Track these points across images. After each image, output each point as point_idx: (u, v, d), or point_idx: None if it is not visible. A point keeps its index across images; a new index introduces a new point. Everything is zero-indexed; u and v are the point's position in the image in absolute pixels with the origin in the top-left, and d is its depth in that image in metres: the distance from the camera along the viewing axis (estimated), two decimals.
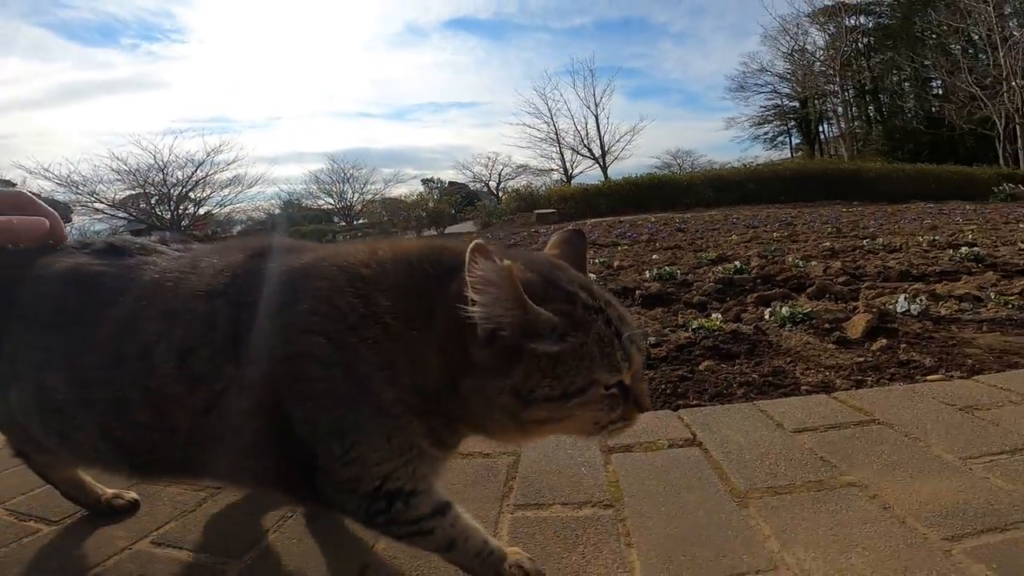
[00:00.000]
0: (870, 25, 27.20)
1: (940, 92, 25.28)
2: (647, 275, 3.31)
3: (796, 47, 28.10)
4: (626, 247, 5.48)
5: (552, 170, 29.77)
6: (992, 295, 2.37)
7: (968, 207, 9.80)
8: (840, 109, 28.77)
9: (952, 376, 1.51)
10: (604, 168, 28.40)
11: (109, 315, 0.67)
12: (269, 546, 0.84)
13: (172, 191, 21.97)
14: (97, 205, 20.66)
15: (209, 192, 22.89)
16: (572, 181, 27.21)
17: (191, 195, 22.58)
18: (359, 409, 0.59)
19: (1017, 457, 0.98)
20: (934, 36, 24.66)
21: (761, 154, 31.58)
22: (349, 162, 28.99)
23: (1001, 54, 20.25)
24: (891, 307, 2.26)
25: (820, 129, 30.23)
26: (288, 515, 0.92)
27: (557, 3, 47.81)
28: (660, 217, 10.46)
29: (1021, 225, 5.52)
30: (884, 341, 1.83)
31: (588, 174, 28.81)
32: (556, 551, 0.80)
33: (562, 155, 29.30)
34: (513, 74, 49.13)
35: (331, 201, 29.42)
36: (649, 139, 56.59)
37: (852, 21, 26.81)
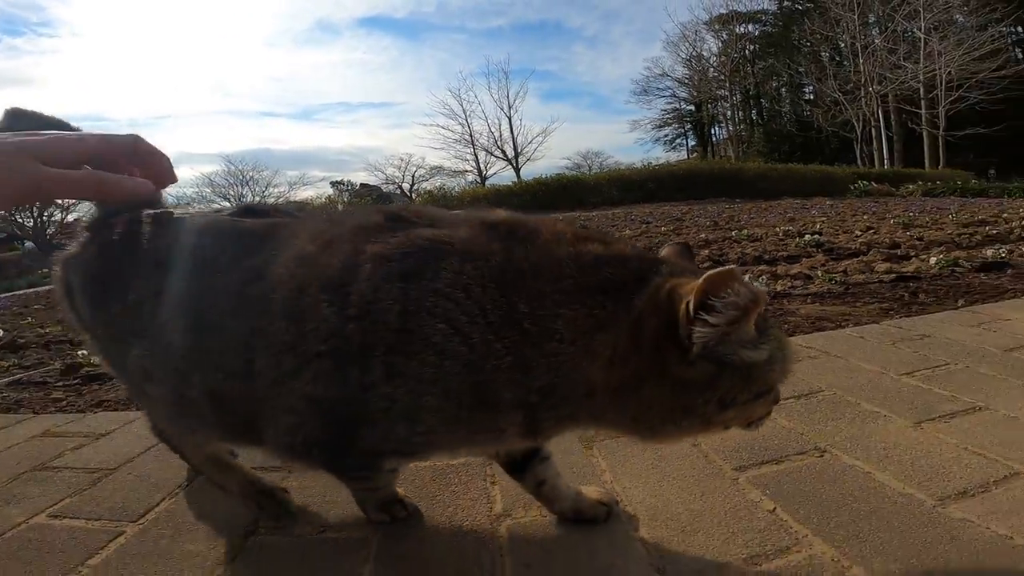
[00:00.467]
0: (756, 33, 29.84)
1: (811, 97, 28.23)
2: None
3: (694, 53, 30.24)
4: None
5: (467, 171, 29.91)
6: (820, 274, 2.84)
7: (828, 202, 11.07)
8: (729, 113, 31.30)
9: (813, 326, 1.93)
10: (517, 169, 28.96)
11: (256, 266, 0.65)
12: (165, 509, 0.94)
13: None
14: None
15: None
16: (486, 182, 27.53)
17: (57, 200, 20.40)
18: (459, 404, 0.57)
19: (801, 401, 1.24)
20: (807, 44, 27.41)
21: (662, 155, 33.72)
22: (248, 163, 27.46)
23: (861, 61, 22.97)
24: None
25: (712, 131, 32.76)
26: (183, 485, 1.02)
27: (475, 4, 48.07)
28: (568, 216, 10.94)
29: (864, 217, 6.44)
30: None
31: (502, 175, 29.25)
32: (433, 489, 0.97)
33: (476, 156, 29.51)
34: (428, 75, 48.62)
35: (228, 205, 27.69)
36: (561, 140, 58.40)
37: (742, 29, 29.29)
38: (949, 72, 20.36)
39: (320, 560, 0.79)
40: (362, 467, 0.68)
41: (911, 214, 6.54)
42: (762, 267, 3.18)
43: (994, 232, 4.40)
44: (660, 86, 31.69)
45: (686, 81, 30.96)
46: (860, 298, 2.38)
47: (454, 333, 0.55)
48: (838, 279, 2.70)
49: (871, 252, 3.41)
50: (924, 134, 21.76)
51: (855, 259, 3.25)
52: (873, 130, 23.51)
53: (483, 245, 0.59)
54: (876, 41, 22.99)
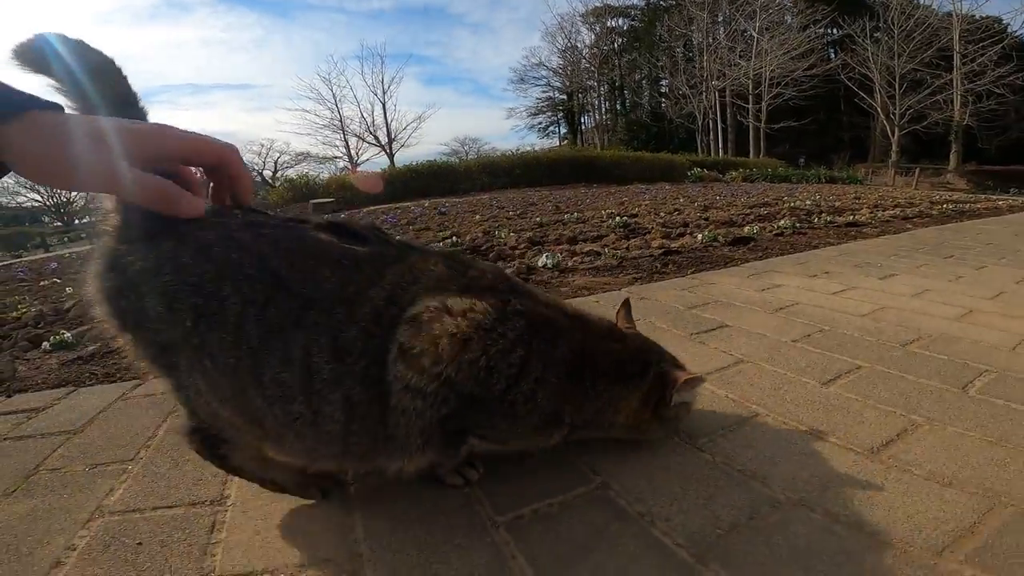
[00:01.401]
0: (625, 27, 31.82)
1: (666, 91, 30.88)
2: None
3: (569, 44, 31.55)
4: (387, 230, 5.85)
5: (336, 158, 28.65)
6: (607, 251, 3.31)
7: (667, 187, 12.31)
8: (597, 103, 33.19)
9: (573, 293, 2.21)
10: (391, 155, 28.35)
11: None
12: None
13: None
14: None
15: None
16: (358, 167, 26.57)
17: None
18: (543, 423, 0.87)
19: None
20: (666, 40, 29.84)
21: (536, 142, 34.94)
22: None
23: (705, 58, 25.57)
24: (535, 262, 3.03)
25: (582, 120, 34.57)
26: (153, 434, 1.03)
27: None
28: (435, 202, 11.03)
29: (680, 200, 7.36)
30: (533, 277, 2.56)
31: (375, 161, 28.43)
32: None
33: (347, 142, 28.37)
34: (300, 55, 45.41)
35: (38, 198, 23.89)
36: (441, 125, 57.89)
37: (613, 23, 31.08)
38: (773, 69, 23.46)
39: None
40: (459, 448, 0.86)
41: (717, 197, 7.61)
42: (564, 246, 3.61)
43: (765, 212, 5.34)
44: (536, 75, 32.84)
45: (560, 71, 32.31)
46: (626, 270, 2.84)
47: (556, 385, 0.84)
48: (619, 255, 3.17)
49: (654, 231, 3.99)
50: (750, 126, 24.95)
51: (641, 237, 3.81)
52: (711, 122, 26.45)
53: (569, 330, 0.88)
54: (721, 39, 25.63)
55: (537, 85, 33.78)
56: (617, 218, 4.75)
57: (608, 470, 0.93)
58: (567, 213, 5.89)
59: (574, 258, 3.22)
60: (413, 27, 44.79)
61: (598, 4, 30.38)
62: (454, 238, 4.10)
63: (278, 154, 28.54)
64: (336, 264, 0.75)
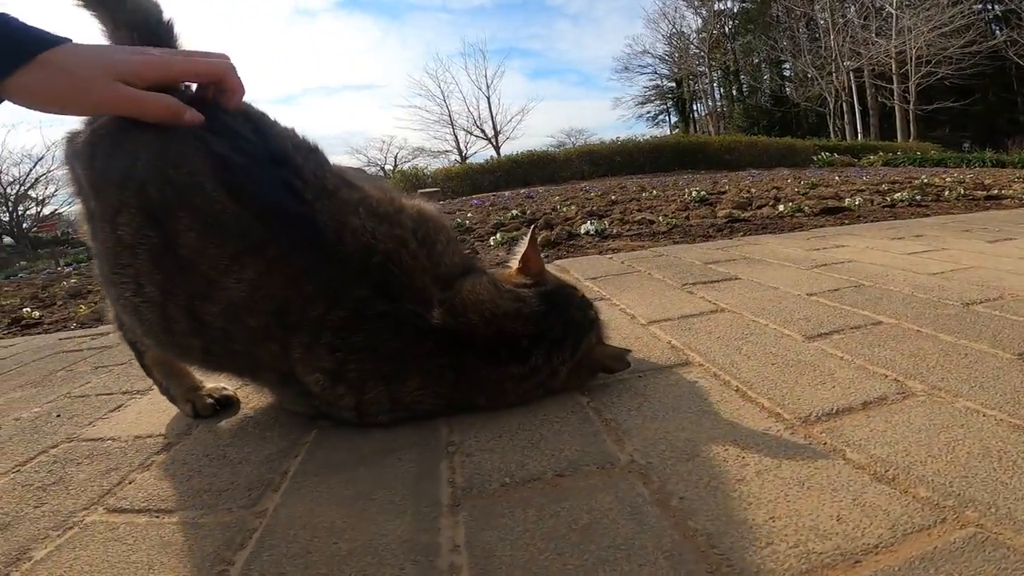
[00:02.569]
0: (735, 10, 29.58)
1: (789, 74, 28.15)
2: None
3: (674, 30, 29.99)
4: (474, 211, 5.96)
5: (447, 151, 29.82)
6: (661, 219, 3.01)
7: (784, 172, 11.18)
8: (709, 89, 31.14)
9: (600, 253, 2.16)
10: (497, 148, 28.85)
11: None
12: None
13: (8, 190, 19.59)
14: None
15: (54, 189, 20.49)
16: (466, 161, 27.44)
17: (31, 194, 20.26)
18: None
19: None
20: (784, 21, 27.26)
21: (646, 131, 33.57)
22: None
23: (832, 38, 22.88)
24: (579, 229, 2.85)
25: (694, 108, 32.62)
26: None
27: None
28: (531, 190, 11.04)
29: (789, 182, 6.59)
30: (571, 242, 2.56)
31: (483, 154, 29.17)
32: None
33: (456, 136, 29.41)
34: (413, 55, 47.87)
35: None
36: (548, 118, 57.81)
37: (720, 5, 29.04)
38: (919, 47, 20.32)
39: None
40: None
41: (836, 178, 6.70)
42: (619, 216, 3.35)
43: (885, 188, 4.58)
44: (641, 63, 31.51)
45: (667, 58, 30.76)
46: (671, 235, 2.55)
47: None
48: (673, 223, 2.87)
49: (724, 203, 3.58)
50: (896, 108, 21.81)
51: (709, 207, 3.43)
52: (845, 104, 23.54)
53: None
54: (851, 16, 22.84)
55: (643, 73, 32.33)
56: (695, 193, 4.34)
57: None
58: (647, 192, 5.53)
59: (624, 226, 2.98)
60: (514, 22, 45.15)
61: None
62: (516, 211, 4.00)
63: (397, 149, 30.38)
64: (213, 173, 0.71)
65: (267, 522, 0.57)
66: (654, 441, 0.66)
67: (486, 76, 28.80)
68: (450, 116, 29.08)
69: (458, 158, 29.10)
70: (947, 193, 3.96)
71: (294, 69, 50.15)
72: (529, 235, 0.85)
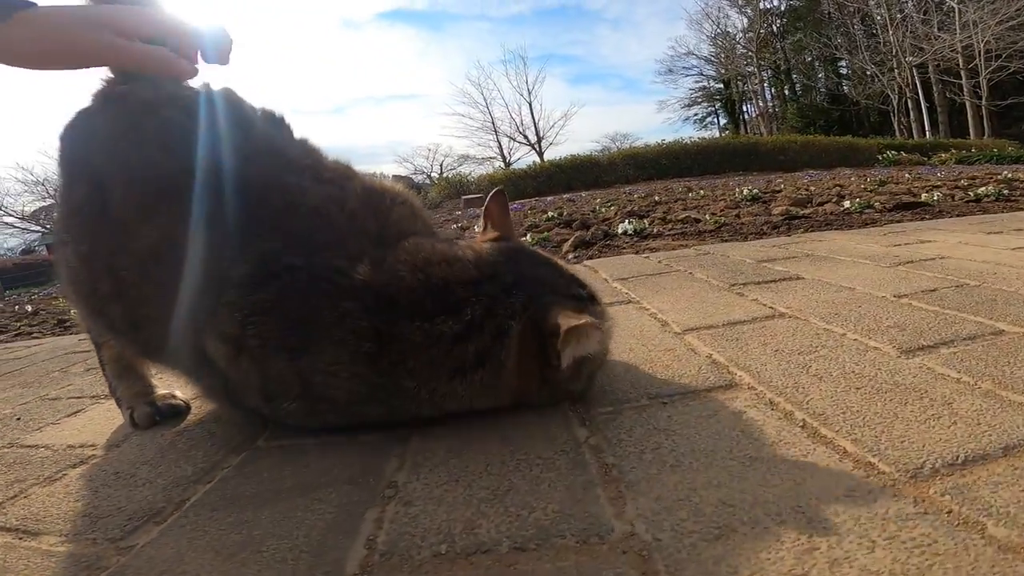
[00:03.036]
0: (783, 8, 28.39)
1: (846, 71, 26.70)
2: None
3: (719, 31, 29.07)
4: (512, 215, 5.87)
5: (492, 158, 29.92)
6: (708, 217, 2.74)
7: (846, 171, 10.51)
8: (759, 89, 29.96)
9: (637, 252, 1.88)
10: (540, 153, 28.73)
11: None
12: None
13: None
14: (7, 219, 19.55)
15: None
16: (511, 167, 27.45)
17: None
18: None
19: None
20: (836, 17, 25.94)
21: (693, 134, 32.61)
22: None
23: (891, 33, 21.54)
24: (616, 229, 2.62)
25: (743, 109, 31.45)
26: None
27: None
28: (575, 195, 10.84)
29: (853, 180, 6.11)
30: (606, 241, 2.35)
31: (527, 160, 29.10)
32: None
33: (499, 143, 29.49)
34: (455, 64, 48.16)
35: None
36: (592, 123, 57.25)
37: (766, 4, 27.93)
38: (987, 41, 18.83)
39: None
40: None
41: (906, 175, 6.16)
42: (661, 216, 3.09)
43: (965, 184, 4.11)
44: (686, 65, 30.62)
45: (712, 59, 29.80)
46: (720, 233, 2.29)
47: None
48: (722, 221, 2.60)
49: (780, 200, 3.25)
50: (967, 104, 20.28)
51: (763, 205, 3.12)
52: (909, 101, 22.07)
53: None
54: (910, 11, 21.48)
55: (688, 75, 31.15)
56: (746, 192, 4.01)
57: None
58: (693, 193, 5.21)
59: (666, 225, 2.72)
60: (553, 28, 44.50)
61: None
62: (553, 213, 3.81)
63: (443, 157, 30.61)
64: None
65: (124, 561, 0.46)
66: (670, 503, 0.44)
67: (527, 82, 28.73)
68: (493, 122, 29.17)
69: (502, 164, 29.16)
70: None
71: (342, 80, 51.33)
72: (493, 193, 0.72)
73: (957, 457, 0.47)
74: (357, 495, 0.51)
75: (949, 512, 0.40)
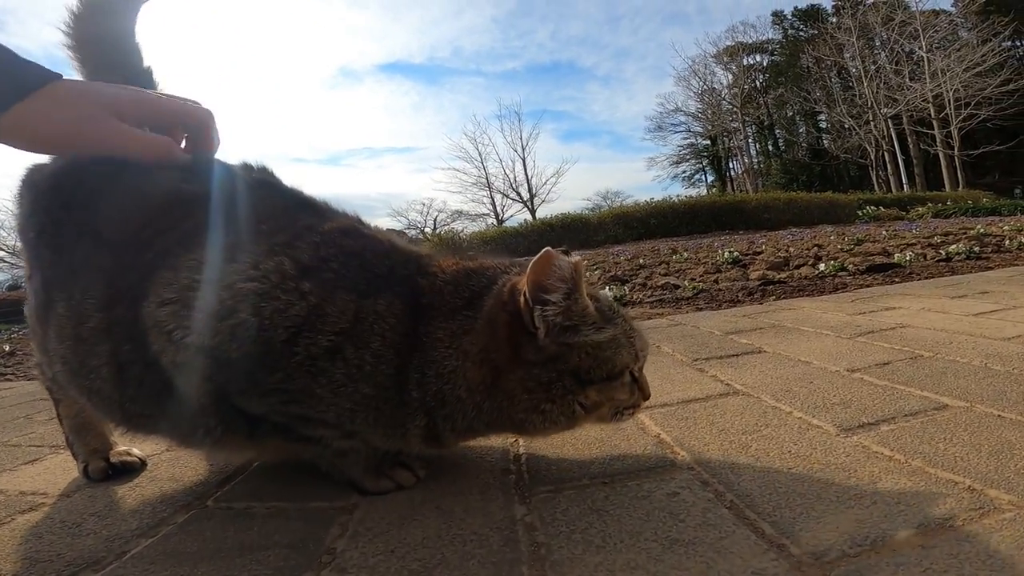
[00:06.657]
0: (765, 63, 29.82)
1: (825, 125, 27.79)
2: None
3: (705, 87, 30.33)
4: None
5: (485, 215, 30.38)
6: (687, 283, 2.80)
7: (828, 229, 10.77)
8: (744, 145, 31.01)
9: None
10: (532, 211, 29.26)
11: None
12: None
13: None
14: None
15: None
16: (503, 224, 27.89)
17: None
18: None
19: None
20: (814, 71, 27.27)
21: (681, 191, 33.56)
22: None
23: (866, 86, 22.63)
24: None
25: (730, 165, 32.50)
26: None
27: (488, 48, 49.67)
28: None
29: (832, 239, 6.27)
30: None
31: (519, 218, 29.59)
32: None
33: (492, 199, 30.02)
34: (450, 118, 49.54)
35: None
36: (582, 180, 58.66)
37: (749, 60, 29.38)
38: (956, 90, 19.86)
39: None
40: None
41: (883, 233, 6.33)
42: (642, 281, 3.16)
43: (937, 241, 4.23)
44: (674, 121, 31.77)
45: (700, 115, 30.96)
46: (695, 301, 2.33)
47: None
48: (700, 287, 2.66)
49: (758, 263, 3.33)
50: (940, 155, 21.11)
51: (741, 269, 3.19)
52: (887, 154, 22.96)
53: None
54: (883, 63, 22.65)
55: (676, 132, 32.38)
56: (727, 254, 4.11)
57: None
58: (678, 255, 5.32)
59: (646, 291, 2.78)
60: (545, 84, 46.44)
61: (730, 43, 28.77)
62: None
63: (437, 212, 30.96)
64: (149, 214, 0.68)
65: None
66: None
67: (521, 138, 29.51)
68: (487, 178, 29.73)
69: (495, 221, 29.60)
70: (1008, 243, 3.60)
71: (340, 130, 52.45)
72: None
73: (867, 538, 0.48)
74: (295, 559, 0.53)
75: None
